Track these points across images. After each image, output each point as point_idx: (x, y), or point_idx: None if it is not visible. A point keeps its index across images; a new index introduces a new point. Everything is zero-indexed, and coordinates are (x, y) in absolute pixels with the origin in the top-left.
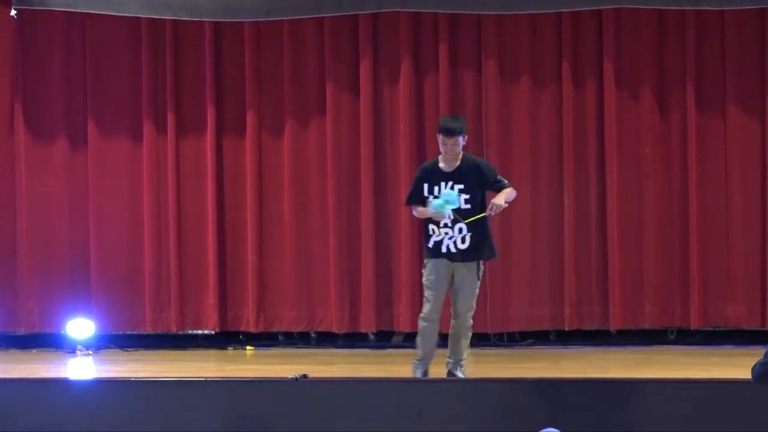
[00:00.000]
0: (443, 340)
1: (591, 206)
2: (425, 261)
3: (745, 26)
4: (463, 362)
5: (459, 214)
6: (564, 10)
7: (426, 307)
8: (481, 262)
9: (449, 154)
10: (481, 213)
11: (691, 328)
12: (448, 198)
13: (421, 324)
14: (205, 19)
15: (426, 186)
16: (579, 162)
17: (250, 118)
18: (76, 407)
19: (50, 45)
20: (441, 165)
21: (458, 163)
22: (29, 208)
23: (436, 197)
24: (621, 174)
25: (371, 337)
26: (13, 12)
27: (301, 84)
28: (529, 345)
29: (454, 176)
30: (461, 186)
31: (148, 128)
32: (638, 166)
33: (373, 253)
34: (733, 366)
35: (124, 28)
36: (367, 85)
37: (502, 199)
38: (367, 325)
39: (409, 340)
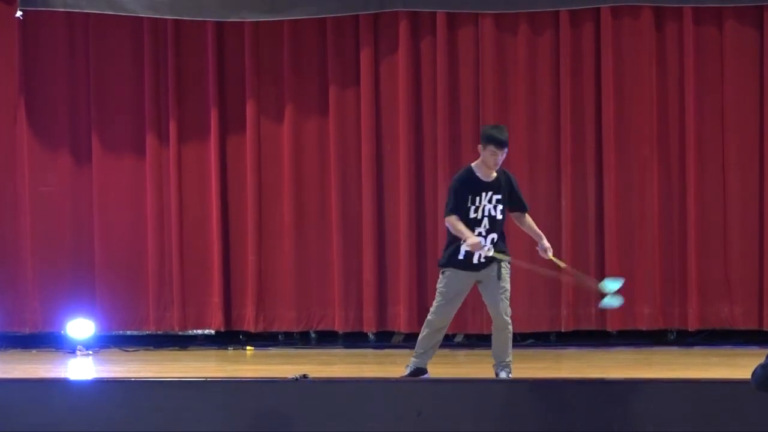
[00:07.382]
0: (445, 340)
1: (589, 207)
2: (444, 269)
3: (744, 26)
4: (506, 362)
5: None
6: (562, 9)
7: (436, 316)
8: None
9: (496, 165)
10: (507, 256)
11: (689, 329)
12: (612, 287)
13: (425, 331)
14: (208, 19)
15: (469, 197)
16: (576, 163)
17: (252, 119)
18: (76, 407)
19: (53, 45)
20: (478, 174)
21: (495, 173)
22: (32, 208)
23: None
24: (619, 174)
25: (371, 337)
26: (18, 13)
27: (301, 83)
28: (529, 345)
29: (493, 187)
30: (499, 196)
31: (151, 128)
32: (637, 167)
33: (374, 253)
34: (733, 366)
35: (126, 28)
36: (368, 78)
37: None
38: (369, 325)
39: (409, 340)
